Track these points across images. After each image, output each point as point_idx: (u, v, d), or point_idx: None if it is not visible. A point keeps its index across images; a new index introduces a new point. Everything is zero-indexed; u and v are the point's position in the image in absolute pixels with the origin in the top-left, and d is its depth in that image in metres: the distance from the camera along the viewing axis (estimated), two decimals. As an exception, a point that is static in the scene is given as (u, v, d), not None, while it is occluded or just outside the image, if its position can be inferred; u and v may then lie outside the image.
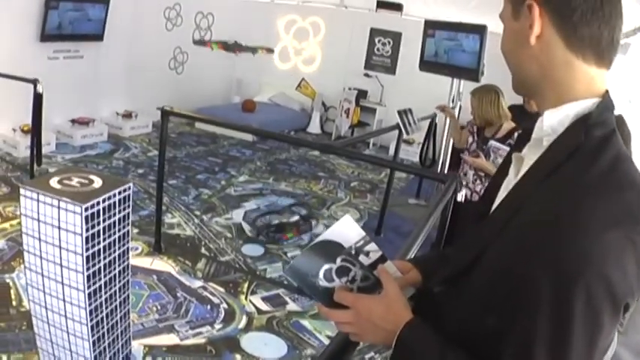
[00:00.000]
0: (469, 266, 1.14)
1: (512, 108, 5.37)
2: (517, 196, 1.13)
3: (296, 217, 6.16)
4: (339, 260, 1.27)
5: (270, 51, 10.33)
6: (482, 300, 1.09)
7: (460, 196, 4.47)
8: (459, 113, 6.76)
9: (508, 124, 4.52)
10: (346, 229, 1.29)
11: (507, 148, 4.22)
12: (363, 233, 1.30)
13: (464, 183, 4.61)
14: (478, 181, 4.54)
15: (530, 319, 0.98)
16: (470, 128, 4.83)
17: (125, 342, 3.53)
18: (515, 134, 4.35)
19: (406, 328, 1.17)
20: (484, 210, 1.29)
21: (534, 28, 1.09)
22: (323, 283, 1.27)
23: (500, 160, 4.24)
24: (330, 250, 1.27)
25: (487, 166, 4.38)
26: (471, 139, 4.77)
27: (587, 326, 0.95)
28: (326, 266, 1.26)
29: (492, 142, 4.41)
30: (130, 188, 3.23)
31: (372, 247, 1.31)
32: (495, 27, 6.45)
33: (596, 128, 1.04)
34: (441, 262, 1.37)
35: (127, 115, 9.53)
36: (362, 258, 1.30)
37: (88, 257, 2.92)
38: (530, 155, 1.17)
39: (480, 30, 6.17)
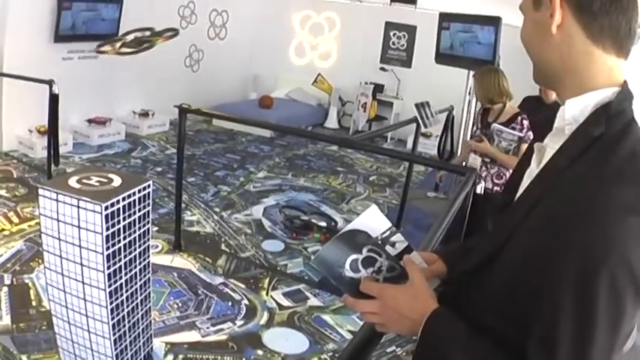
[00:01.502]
0: (492, 256, 1.16)
1: (529, 99, 5.35)
2: (539, 184, 1.14)
3: (323, 223, 6.15)
4: (365, 250, 1.27)
5: (174, 33, 9.11)
6: (506, 288, 1.10)
7: (479, 189, 4.45)
8: (475, 104, 6.72)
9: (511, 109, 4.49)
10: (372, 220, 1.30)
11: (511, 131, 4.26)
12: (389, 224, 1.31)
13: (482, 175, 4.58)
14: (483, 168, 4.51)
15: (554, 306, 0.99)
16: (475, 117, 4.82)
17: (146, 340, 3.55)
18: (519, 118, 4.33)
19: (432, 316, 1.18)
20: (507, 200, 1.29)
21: (555, 17, 1.10)
22: (349, 273, 1.26)
23: (504, 144, 4.30)
24: (357, 240, 1.27)
25: (490, 149, 4.37)
26: (475, 127, 4.76)
27: (611, 312, 0.96)
28: (352, 256, 1.26)
29: (495, 125, 4.38)
30: (149, 186, 3.24)
31: (398, 237, 1.31)
32: (510, 19, 6.42)
33: (616, 117, 1.06)
34: (464, 254, 1.38)
35: (144, 114, 9.57)
36: (388, 248, 1.30)
37: (108, 256, 2.94)
38: (552, 144, 1.18)
39: (494, 22, 6.15)
